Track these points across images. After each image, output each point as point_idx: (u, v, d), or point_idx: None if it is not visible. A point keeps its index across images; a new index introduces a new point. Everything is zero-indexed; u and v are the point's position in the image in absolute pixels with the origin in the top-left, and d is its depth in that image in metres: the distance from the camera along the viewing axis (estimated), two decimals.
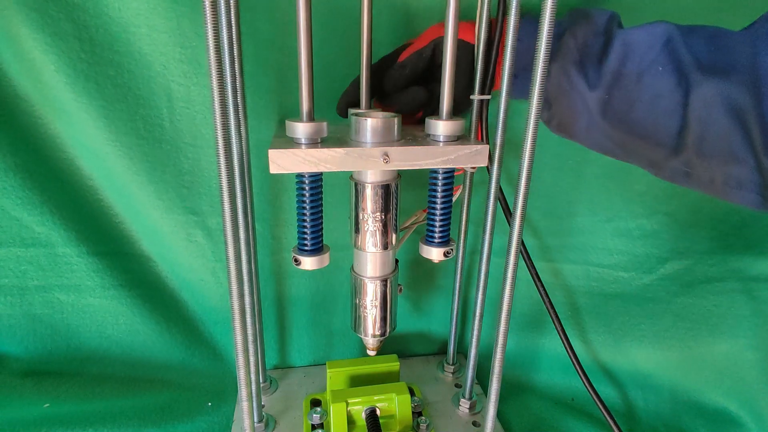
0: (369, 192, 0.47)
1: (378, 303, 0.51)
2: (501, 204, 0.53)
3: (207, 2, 0.33)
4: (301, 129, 0.41)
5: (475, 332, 0.59)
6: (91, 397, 0.61)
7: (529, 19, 0.43)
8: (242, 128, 0.48)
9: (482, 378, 0.65)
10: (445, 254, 0.50)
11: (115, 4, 0.49)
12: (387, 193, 0.48)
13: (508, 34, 0.43)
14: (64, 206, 0.57)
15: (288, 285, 0.65)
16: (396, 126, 0.44)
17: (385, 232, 0.49)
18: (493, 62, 0.47)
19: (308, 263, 0.47)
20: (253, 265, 0.54)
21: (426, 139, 0.44)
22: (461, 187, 0.56)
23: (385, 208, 0.48)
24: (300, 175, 0.45)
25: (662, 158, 0.44)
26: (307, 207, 0.46)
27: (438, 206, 0.48)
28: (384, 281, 0.51)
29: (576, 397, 0.69)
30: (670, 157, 0.43)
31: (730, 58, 0.41)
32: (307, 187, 0.45)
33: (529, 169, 0.41)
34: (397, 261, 0.53)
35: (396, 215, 0.50)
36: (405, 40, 0.54)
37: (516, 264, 0.47)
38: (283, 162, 0.41)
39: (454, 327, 0.67)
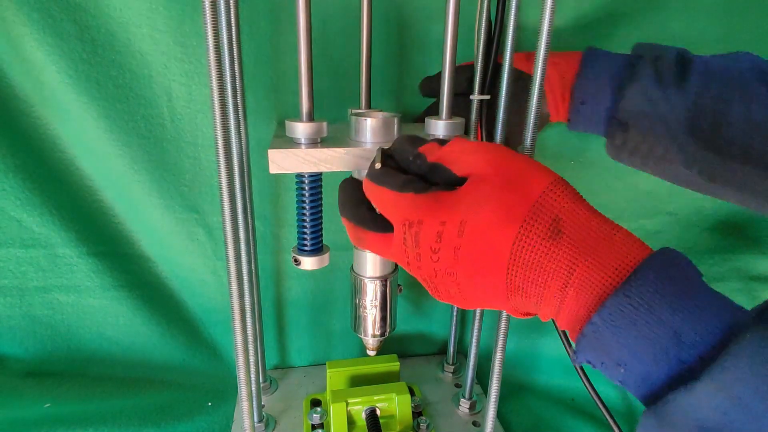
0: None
1: (378, 303, 0.51)
2: None
3: (207, 2, 0.33)
4: (300, 129, 0.41)
5: (475, 332, 0.59)
6: (91, 397, 0.61)
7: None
8: (242, 128, 0.48)
9: (482, 378, 0.65)
10: None
11: (116, 4, 0.49)
12: None
13: (507, 35, 0.43)
14: (64, 207, 0.57)
15: (288, 285, 0.65)
16: (396, 126, 0.44)
17: None
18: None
19: (308, 263, 0.47)
20: (253, 265, 0.54)
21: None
22: None
23: None
24: (300, 175, 0.45)
25: (755, 178, 0.42)
26: (307, 207, 0.46)
27: None
28: (384, 281, 0.51)
29: (576, 397, 0.69)
30: (764, 176, 0.41)
31: None
32: (306, 188, 0.45)
33: None
34: None
35: None
36: (404, 40, 0.54)
37: None
38: (282, 162, 0.41)
39: (454, 327, 0.67)
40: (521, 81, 0.44)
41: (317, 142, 0.42)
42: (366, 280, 0.50)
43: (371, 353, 0.55)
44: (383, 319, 0.52)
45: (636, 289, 0.25)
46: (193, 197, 0.58)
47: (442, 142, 0.35)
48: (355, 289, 0.52)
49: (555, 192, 0.29)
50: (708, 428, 0.24)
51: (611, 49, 0.48)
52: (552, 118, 0.51)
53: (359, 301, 0.52)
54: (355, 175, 0.47)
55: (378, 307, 0.52)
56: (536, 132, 0.40)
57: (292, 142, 0.42)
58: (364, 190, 0.37)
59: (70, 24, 0.49)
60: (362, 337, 0.54)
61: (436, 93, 0.50)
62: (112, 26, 0.50)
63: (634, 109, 0.45)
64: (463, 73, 0.49)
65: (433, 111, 0.52)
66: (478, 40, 0.48)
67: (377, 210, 0.36)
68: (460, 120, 0.44)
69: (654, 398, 0.26)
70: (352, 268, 0.52)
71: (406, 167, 0.36)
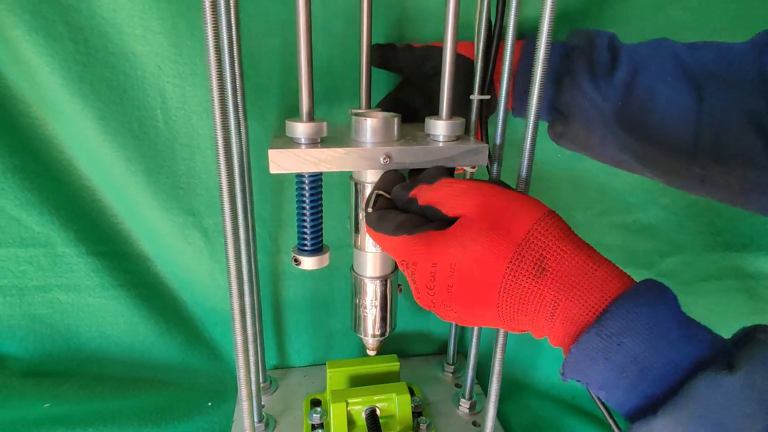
0: (369, 192, 0.47)
1: (378, 303, 0.51)
2: None
3: (207, 2, 0.33)
4: (300, 129, 0.41)
5: (475, 332, 0.59)
6: (91, 397, 0.61)
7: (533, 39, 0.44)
8: (242, 128, 0.48)
9: (482, 378, 0.65)
10: None
11: (109, 5, 0.49)
12: None
13: (507, 35, 0.43)
14: (63, 206, 0.57)
15: (288, 285, 0.65)
16: (396, 126, 0.44)
17: None
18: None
19: (308, 263, 0.47)
20: (253, 265, 0.54)
21: (426, 139, 0.44)
22: None
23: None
24: (300, 176, 0.45)
25: (680, 164, 0.44)
26: (307, 207, 0.46)
27: None
28: (384, 281, 0.51)
29: (576, 397, 0.69)
30: (688, 162, 0.43)
31: (738, 68, 0.41)
32: (306, 188, 0.45)
33: (528, 169, 0.42)
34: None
35: None
36: (404, 41, 0.54)
37: None
38: (282, 162, 0.41)
39: (454, 327, 0.68)
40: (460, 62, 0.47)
41: (317, 142, 0.42)
42: (366, 280, 0.50)
43: (371, 353, 0.55)
44: (383, 319, 0.52)
45: (608, 325, 0.27)
46: (189, 200, 0.58)
47: (430, 179, 0.37)
48: (356, 289, 0.52)
49: (541, 230, 0.31)
50: None
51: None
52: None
53: (359, 301, 0.52)
54: (355, 177, 0.48)
55: (378, 307, 0.52)
56: (536, 131, 0.40)
57: (292, 142, 0.42)
58: (368, 234, 0.40)
59: (63, 25, 0.48)
60: (362, 337, 0.54)
61: (386, 65, 0.52)
62: (105, 27, 0.50)
63: (570, 102, 0.46)
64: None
65: (386, 103, 0.52)
66: (478, 40, 0.48)
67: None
68: (460, 120, 0.44)
69: (630, 421, 0.28)
70: (352, 268, 0.52)
71: (402, 207, 0.39)
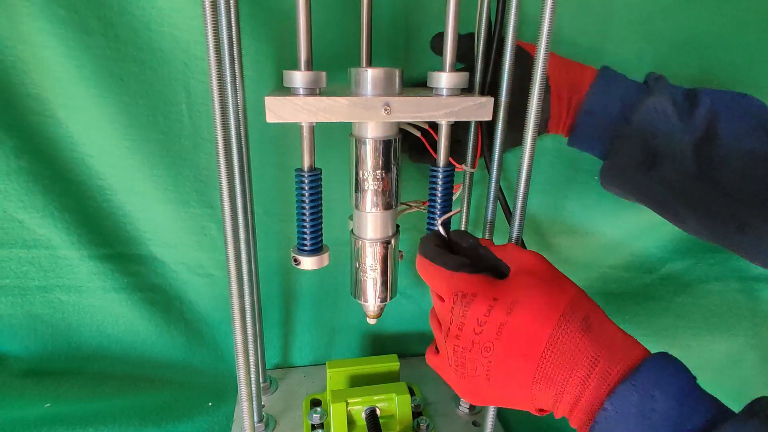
0: (369, 148, 0.45)
1: (378, 266, 0.50)
2: (501, 204, 0.53)
3: (207, 2, 0.33)
4: (299, 77, 0.40)
5: None
6: (92, 396, 0.61)
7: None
8: (242, 127, 0.48)
9: None
10: None
11: (139, 2, 0.50)
12: (388, 149, 0.46)
13: (507, 35, 0.43)
14: (68, 209, 0.57)
15: (288, 285, 0.66)
16: (397, 78, 0.43)
17: (385, 192, 0.47)
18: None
19: (308, 263, 0.47)
20: (253, 265, 0.54)
21: (429, 93, 0.43)
22: (461, 185, 0.56)
23: (386, 166, 0.46)
24: (300, 175, 0.45)
25: (731, 211, 0.43)
26: (307, 206, 0.46)
27: (438, 205, 0.48)
28: (385, 244, 0.49)
29: None
30: (743, 211, 0.43)
31: None
32: (306, 186, 0.45)
33: (528, 169, 0.41)
34: (398, 227, 0.52)
35: (397, 175, 0.48)
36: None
37: None
38: (280, 111, 0.39)
39: None
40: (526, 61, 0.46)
41: (316, 92, 0.41)
42: (366, 243, 0.49)
43: (371, 321, 0.53)
44: (384, 283, 0.51)
45: (642, 380, 0.30)
46: (209, 192, 0.59)
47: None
48: (355, 252, 0.50)
49: (582, 295, 0.36)
50: None
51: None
52: (551, 127, 0.50)
53: (359, 265, 0.50)
54: (355, 133, 0.46)
55: (378, 271, 0.50)
56: (536, 131, 0.40)
57: (290, 92, 0.41)
58: (417, 264, 0.41)
59: (95, 21, 0.49)
60: (362, 302, 0.52)
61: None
62: (135, 24, 0.50)
63: (644, 124, 0.45)
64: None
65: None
66: (478, 39, 0.48)
67: (426, 282, 0.41)
68: (464, 73, 0.43)
69: None
70: (351, 231, 0.51)
71: (458, 250, 0.41)
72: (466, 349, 0.36)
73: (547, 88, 0.47)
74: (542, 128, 0.49)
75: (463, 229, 0.59)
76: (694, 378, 0.31)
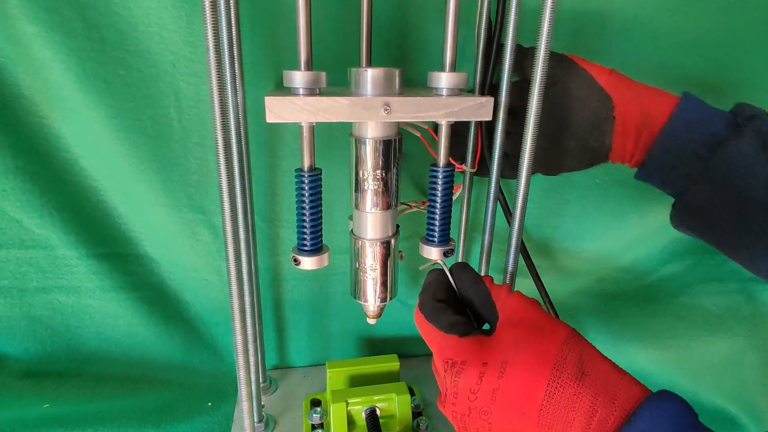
0: (369, 148, 0.45)
1: (378, 267, 0.50)
2: (501, 204, 0.53)
3: (207, 2, 0.33)
4: (299, 77, 0.40)
5: None
6: (91, 397, 0.61)
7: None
8: (242, 128, 0.48)
9: None
10: (445, 254, 0.50)
11: (126, 3, 0.49)
12: (388, 149, 0.46)
13: (507, 35, 0.43)
14: (66, 208, 0.57)
15: (288, 285, 0.65)
16: (397, 78, 0.43)
17: (385, 192, 0.47)
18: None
19: (308, 263, 0.47)
20: (253, 265, 0.54)
21: (429, 93, 0.43)
22: (461, 186, 0.56)
23: (386, 166, 0.46)
24: (300, 175, 0.45)
25: None
26: (307, 206, 0.46)
27: (438, 205, 0.48)
28: (385, 244, 0.49)
29: None
30: None
31: None
32: (306, 186, 0.45)
33: (528, 170, 0.42)
34: (398, 226, 0.52)
35: (397, 175, 0.48)
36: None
37: (516, 264, 0.47)
38: (280, 111, 0.39)
39: None
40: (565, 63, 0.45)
41: (316, 92, 0.41)
42: (366, 243, 0.49)
43: (371, 321, 0.53)
44: (383, 284, 0.51)
45: (639, 427, 0.30)
46: (200, 198, 0.58)
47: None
48: (355, 253, 0.50)
49: (575, 335, 0.35)
50: None
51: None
52: (614, 158, 0.47)
53: (359, 265, 0.50)
54: (355, 133, 0.46)
55: (378, 271, 0.50)
56: (536, 132, 0.40)
57: (289, 92, 0.41)
58: (415, 318, 0.40)
59: (79, 22, 0.49)
60: (362, 302, 0.52)
61: (521, 69, 0.47)
62: (121, 25, 0.50)
63: (730, 170, 0.42)
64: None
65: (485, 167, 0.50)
66: (478, 40, 0.48)
67: (425, 340, 0.40)
68: (464, 73, 0.43)
69: None
70: (351, 231, 0.51)
71: (460, 286, 0.41)
72: (464, 415, 0.36)
73: (607, 115, 0.44)
74: (602, 158, 0.47)
75: (462, 229, 0.59)
76: (695, 415, 0.31)
